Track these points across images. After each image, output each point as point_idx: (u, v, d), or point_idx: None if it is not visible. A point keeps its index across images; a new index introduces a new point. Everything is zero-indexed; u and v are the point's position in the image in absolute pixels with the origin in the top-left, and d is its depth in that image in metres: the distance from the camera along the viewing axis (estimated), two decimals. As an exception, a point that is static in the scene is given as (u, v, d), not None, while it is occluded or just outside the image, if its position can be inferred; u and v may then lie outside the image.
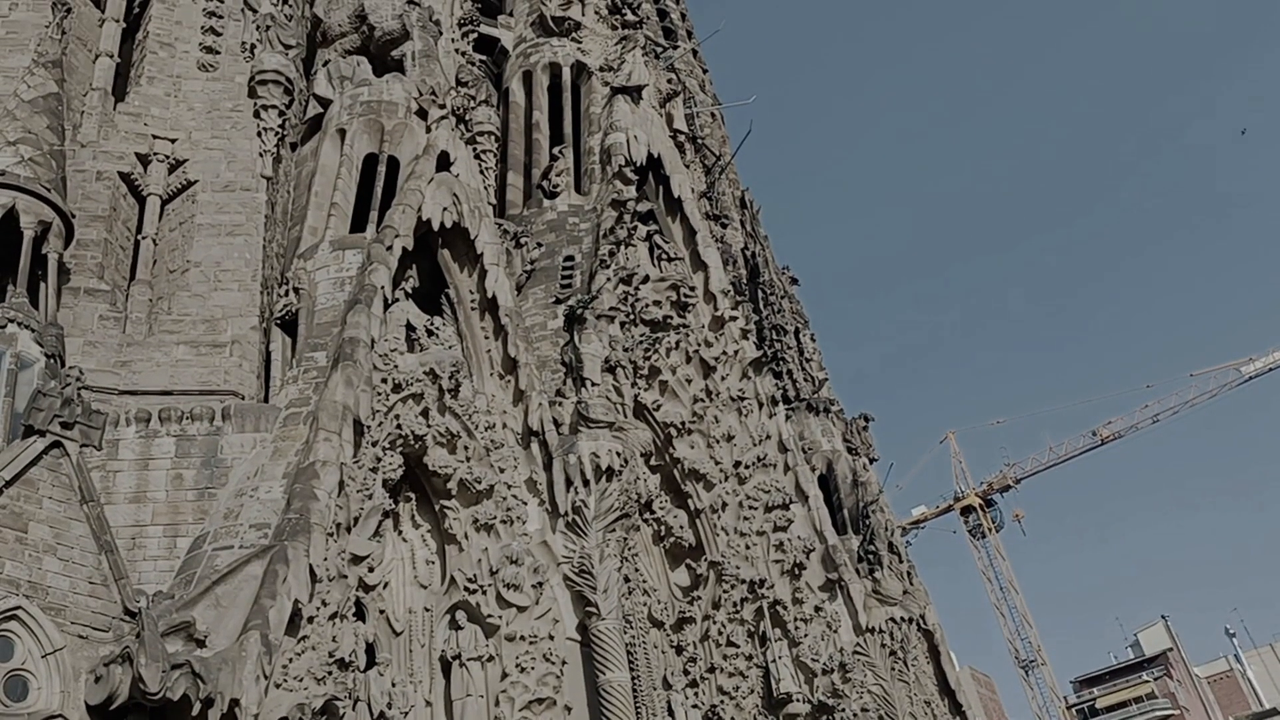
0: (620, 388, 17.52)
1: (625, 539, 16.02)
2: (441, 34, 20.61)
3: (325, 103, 18.13)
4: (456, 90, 19.71)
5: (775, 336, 29.14)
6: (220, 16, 17.40)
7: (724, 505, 22.67)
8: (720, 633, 21.27)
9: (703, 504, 22.62)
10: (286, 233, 16.62)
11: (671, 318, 22.71)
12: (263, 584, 10.57)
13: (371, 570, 13.35)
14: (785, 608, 21.43)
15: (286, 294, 15.26)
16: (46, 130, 13.86)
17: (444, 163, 17.21)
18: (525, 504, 15.29)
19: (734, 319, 24.47)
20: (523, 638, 14.06)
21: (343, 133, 17.60)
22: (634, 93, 23.76)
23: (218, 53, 17.11)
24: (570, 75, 25.36)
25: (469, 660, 13.74)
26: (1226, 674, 77.99)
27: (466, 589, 14.23)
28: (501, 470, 15.28)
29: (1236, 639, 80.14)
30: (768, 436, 23.80)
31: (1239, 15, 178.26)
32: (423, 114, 17.75)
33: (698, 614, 21.54)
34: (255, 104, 16.62)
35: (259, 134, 16.33)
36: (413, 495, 15.09)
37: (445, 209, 16.48)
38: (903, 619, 22.83)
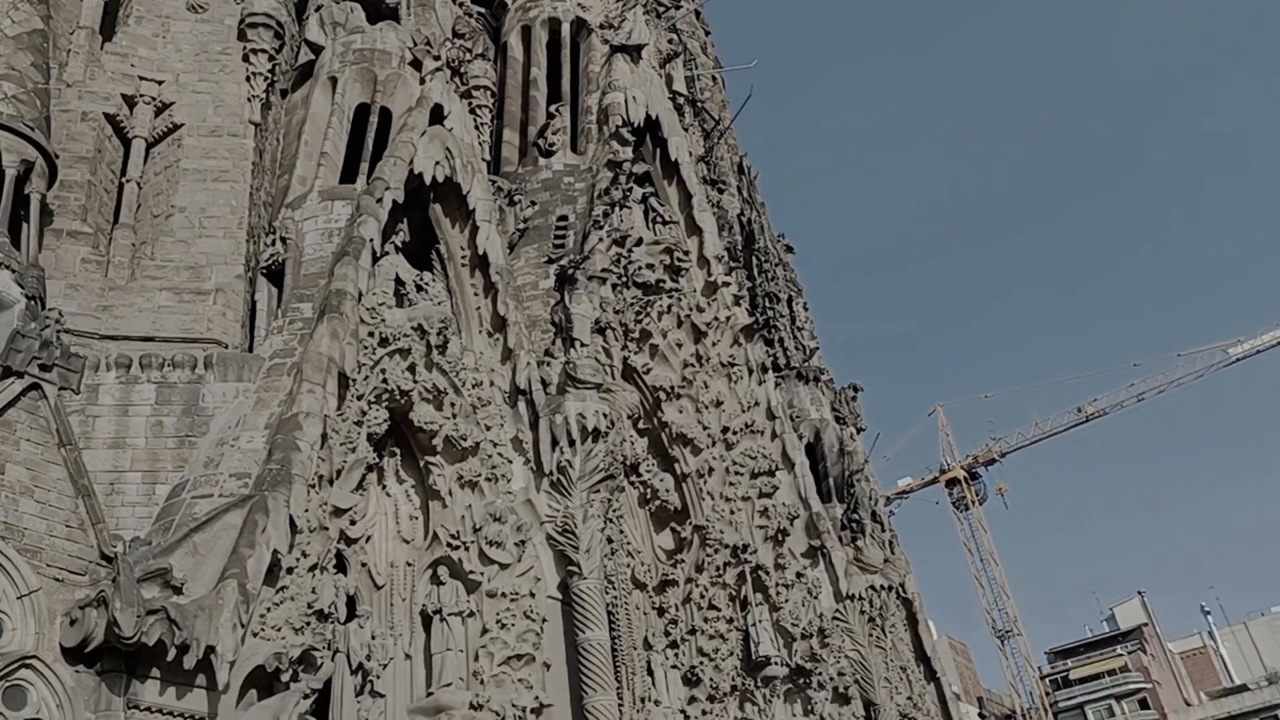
0: (610, 349, 17.43)
1: (609, 500, 16.01)
2: (437, -17, 20.25)
3: (317, 49, 17.80)
4: (452, 42, 19.41)
5: (768, 304, 29.05)
6: (211, -44, 17.03)
7: (710, 470, 22.70)
8: (702, 596, 21.38)
9: (689, 468, 22.64)
10: (275, 181, 16.39)
11: (664, 281, 22.57)
12: (241, 533, 10.51)
13: (354, 523, 13.30)
14: (767, 573, 21.54)
15: (273, 243, 15.07)
16: (31, 68, 13.57)
17: (438, 116, 16.96)
18: (510, 462, 15.23)
19: (727, 285, 24.36)
20: (504, 594, 14.07)
21: (334, 81, 17.31)
22: (634, 52, 23.44)
23: (208, -8, 16.76)
24: (570, 32, 25.00)
25: (450, 615, 13.75)
26: (1200, 650, 79.11)
27: (449, 545, 14.21)
28: (488, 428, 15.21)
29: (1211, 616, 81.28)
30: (756, 403, 23.79)
31: (1232, 15, 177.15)
32: (417, 65, 17.45)
33: (680, 577, 21.63)
34: (244, 47, 16.30)
35: (248, 79, 16.04)
36: (398, 450, 15.01)
37: (438, 163, 16.26)
38: (883, 587, 22.99)
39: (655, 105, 23.58)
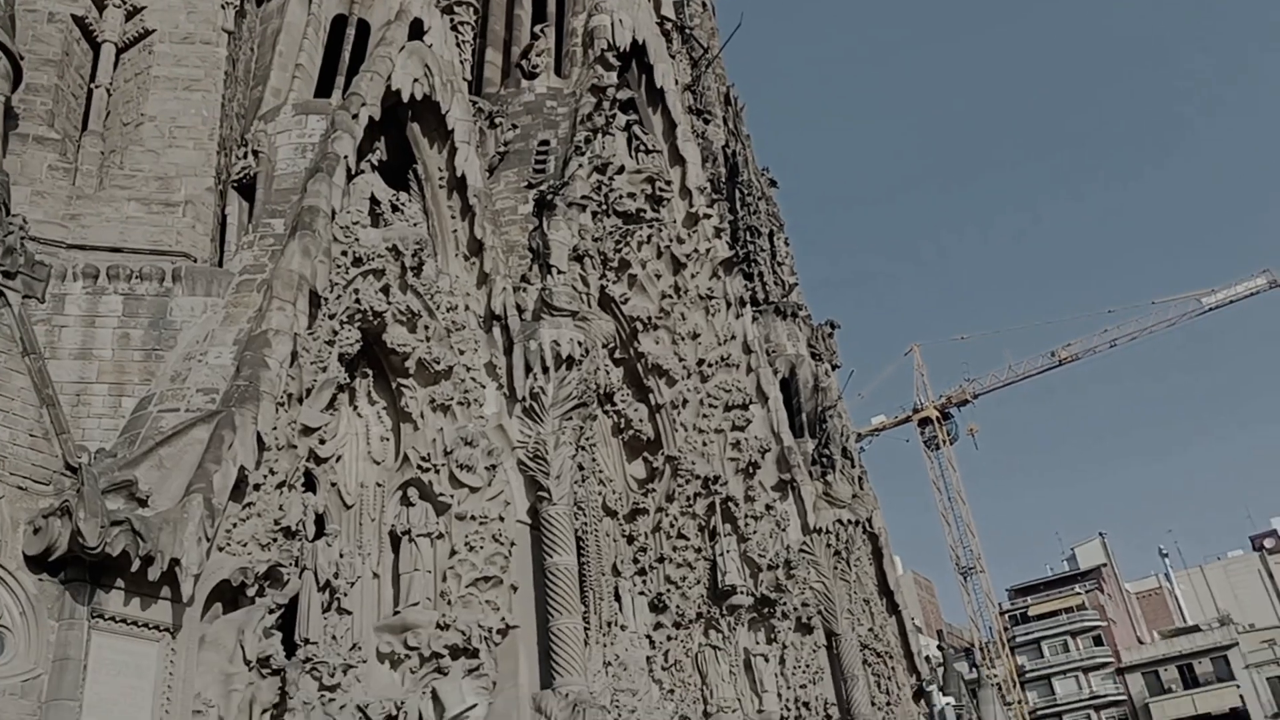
0: (587, 277, 17.31)
1: (581, 427, 16.05)
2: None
3: (293, -44, 17.21)
4: (434, -46, 18.81)
5: (749, 237, 28.89)
6: None
7: (685, 402, 22.79)
8: (672, 525, 21.64)
9: (664, 399, 22.72)
10: (248, 92, 15.97)
11: (645, 211, 22.36)
12: (208, 448, 10.46)
13: (323, 443, 13.28)
14: (737, 504, 21.80)
15: (245, 156, 14.74)
16: (-7, -37, 13.04)
17: (417, 31, 16.52)
18: (483, 387, 15.21)
19: (708, 217, 24.16)
20: (473, 517, 14.16)
21: (311, -10, 16.79)
22: (622, -28, 22.88)
23: (181, -108, 16.10)
24: (557, -52, 24.33)
25: (418, 536, 13.84)
26: (1155, 591, 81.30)
27: (420, 467, 14.24)
28: (461, 352, 15.14)
29: (1169, 559, 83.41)
30: (733, 337, 23.81)
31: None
32: (397, -24, 16.95)
33: (651, 506, 21.86)
34: (219, -48, 15.73)
35: (222, -16, 15.50)
36: (370, 371, 14.94)
37: (416, 80, 15.89)
38: (850, 521, 23.32)
39: (642, 30, 23.10)
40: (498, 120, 20.59)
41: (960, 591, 71.79)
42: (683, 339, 23.14)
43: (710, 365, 23.14)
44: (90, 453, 10.45)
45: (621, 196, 21.50)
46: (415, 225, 15.05)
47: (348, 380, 13.89)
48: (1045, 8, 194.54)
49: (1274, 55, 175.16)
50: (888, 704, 23.99)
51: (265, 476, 11.12)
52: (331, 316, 13.31)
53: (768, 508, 22.13)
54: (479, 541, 14.00)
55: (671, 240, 22.94)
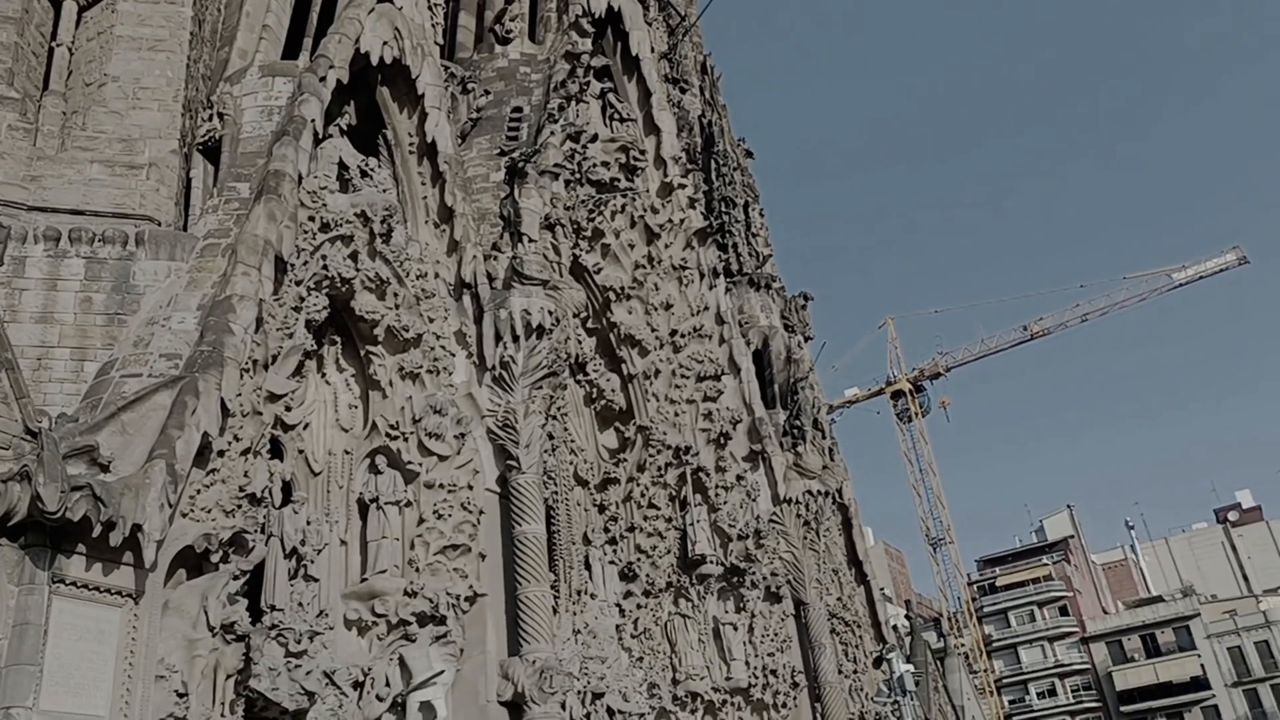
0: (558, 246, 17.21)
1: (551, 397, 16.02)
2: None
3: (261, -86, 16.85)
4: (406, -85, 18.46)
5: (724, 208, 28.79)
6: None
7: (657, 372, 22.81)
8: (643, 495, 21.73)
9: (636, 369, 22.73)
10: (214, 53, 15.68)
11: (619, 180, 22.24)
12: (171, 414, 10.36)
13: (289, 410, 13.19)
14: (708, 475, 21.91)
15: (210, 119, 14.49)
16: (-52, -84, 12.71)
17: (388, -8, 16.25)
18: (453, 355, 15.13)
19: (682, 187, 24.07)
20: (442, 486, 14.14)
21: (279, -51, 16.46)
22: (598, -63, 22.59)
23: None
24: (531, -90, 23.96)
25: (386, 504, 13.81)
26: (1121, 562, 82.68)
27: (388, 435, 14.18)
28: (431, 320, 15.05)
29: (1135, 531, 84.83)
30: (706, 308, 23.81)
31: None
32: (367, -63, 16.63)
33: (622, 475, 21.93)
34: (184, -92, 15.36)
35: (186, -59, 15.16)
36: (338, 339, 14.83)
37: (385, 43, 15.65)
38: (820, 492, 23.49)
39: (618, -5, 22.87)
40: (470, 86, 20.36)
41: (930, 562, 72.67)
42: (656, 309, 23.12)
43: (683, 336, 23.15)
44: (51, 417, 10.34)
45: (595, 165, 21.37)
46: (385, 191, 14.88)
47: (315, 347, 13.78)
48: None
49: (1248, 33, 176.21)
50: (855, 671, 24.31)
51: (230, 443, 11.03)
52: (298, 283, 13.17)
53: (738, 478, 22.26)
54: (447, 509, 13.99)
55: (645, 210, 22.84)
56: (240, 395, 11.33)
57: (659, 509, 21.58)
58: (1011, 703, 69.98)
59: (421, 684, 12.76)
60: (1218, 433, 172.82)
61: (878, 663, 21.37)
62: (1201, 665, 65.49)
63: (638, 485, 21.68)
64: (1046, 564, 71.43)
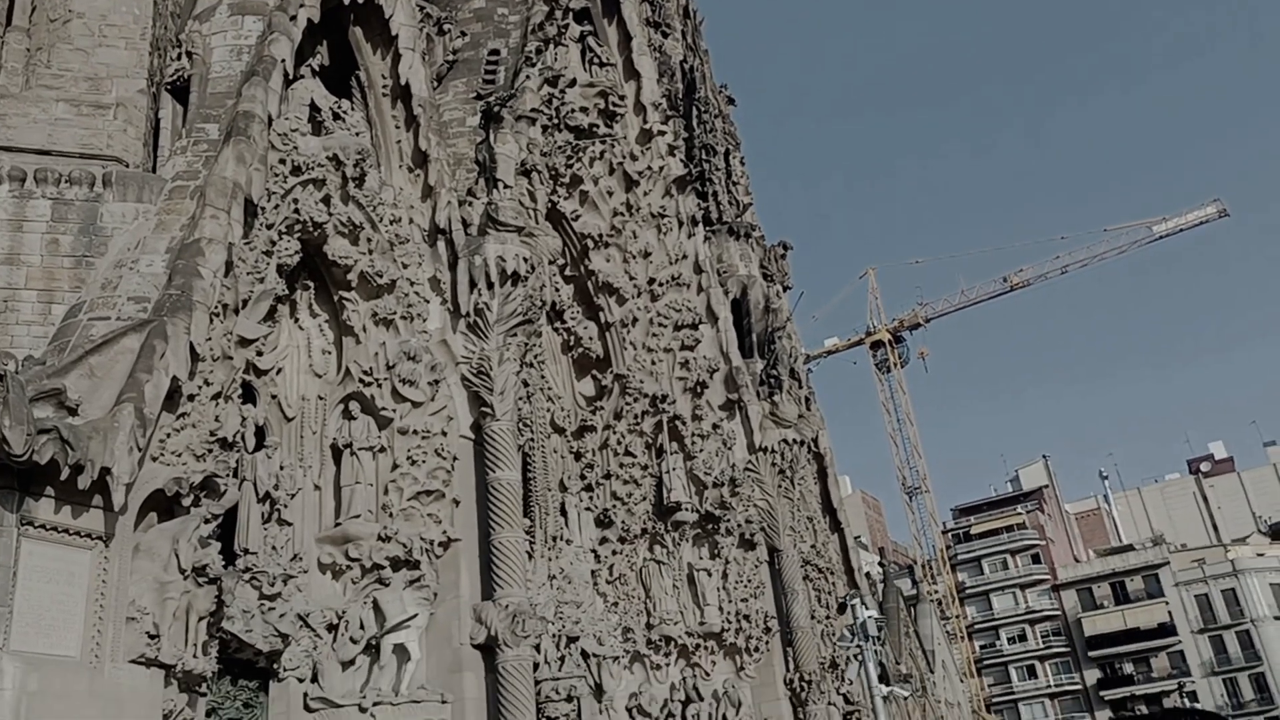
0: (534, 192, 17.06)
1: (526, 344, 16.01)
2: None
3: None
4: None
5: (704, 156, 28.56)
6: None
7: (634, 320, 22.80)
8: (619, 442, 21.84)
9: (614, 317, 22.71)
10: (183, -10, 15.32)
11: (598, 126, 22.01)
12: (139, 358, 10.29)
13: (261, 354, 13.15)
14: (684, 423, 22.03)
15: (180, 57, 14.19)
16: None
17: (361, -71, 15.88)
18: (427, 302, 15.07)
19: (662, 134, 23.85)
20: (415, 432, 14.16)
21: (248, -118, 16.00)
22: (578, -126, 22.09)
23: None
24: None
25: (360, 450, 13.84)
26: (1094, 512, 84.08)
27: (362, 381, 14.17)
28: (405, 266, 14.96)
29: (1108, 481, 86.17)
30: (684, 256, 23.74)
31: None
32: None
33: (599, 423, 22.03)
34: None
35: (152, -128, 14.72)
36: (311, 284, 14.74)
37: (358, -19, 15.33)
38: (795, 441, 23.66)
39: (598, -65, 22.44)
40: (446, 27, 20.01)
41: (906, 511, 73.64)
42: (634, 257, 23.04)
43: (661, 284, 23.11)
44: (18, 360, 10.24)
45: (573, 110, 21.12)
46: (357, 134, 14.70)
47: (287, 292, 13.69)
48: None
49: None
50: (826, 617, 24.72)
51: (200, 387, 10.99)
52: (269, 226, 13.04)
53: (714, 427, 22.39)
54: (421, 455, 14.03)
55: (624, 157, 22.65)
56: (210, 339, 11.26)
57: (635, 456, 21.72)
58: (983, 648, 71.47)
59: (395, 627, 12.91)
60: (1193, 385, 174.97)
61: (841, 609, 21.75)
62: (1169, 612, 66.95)
63: (614, 433, 21.79)
64: (1020, 513, 72.54)
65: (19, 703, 8.89)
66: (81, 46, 13.65)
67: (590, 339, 22.68)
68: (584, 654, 18.58)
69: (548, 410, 21.16)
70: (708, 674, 20.71)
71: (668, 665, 20.65)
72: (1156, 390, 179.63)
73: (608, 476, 21.55)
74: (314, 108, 14.48)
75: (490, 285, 15.10)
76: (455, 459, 14.36)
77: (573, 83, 21.14)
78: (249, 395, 13.27)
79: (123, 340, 10.45)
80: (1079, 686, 68.61)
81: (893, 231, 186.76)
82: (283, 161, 13.44)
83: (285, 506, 13.00)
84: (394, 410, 14.14)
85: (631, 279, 22.81)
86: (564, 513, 20.60)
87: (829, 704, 22.32)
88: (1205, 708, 60.44)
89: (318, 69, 15.06)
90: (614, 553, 21.06)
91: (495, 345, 14.95)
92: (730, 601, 21.39)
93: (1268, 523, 74.84)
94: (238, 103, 12.94)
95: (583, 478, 21.55)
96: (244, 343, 12.10)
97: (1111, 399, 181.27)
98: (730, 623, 21.05)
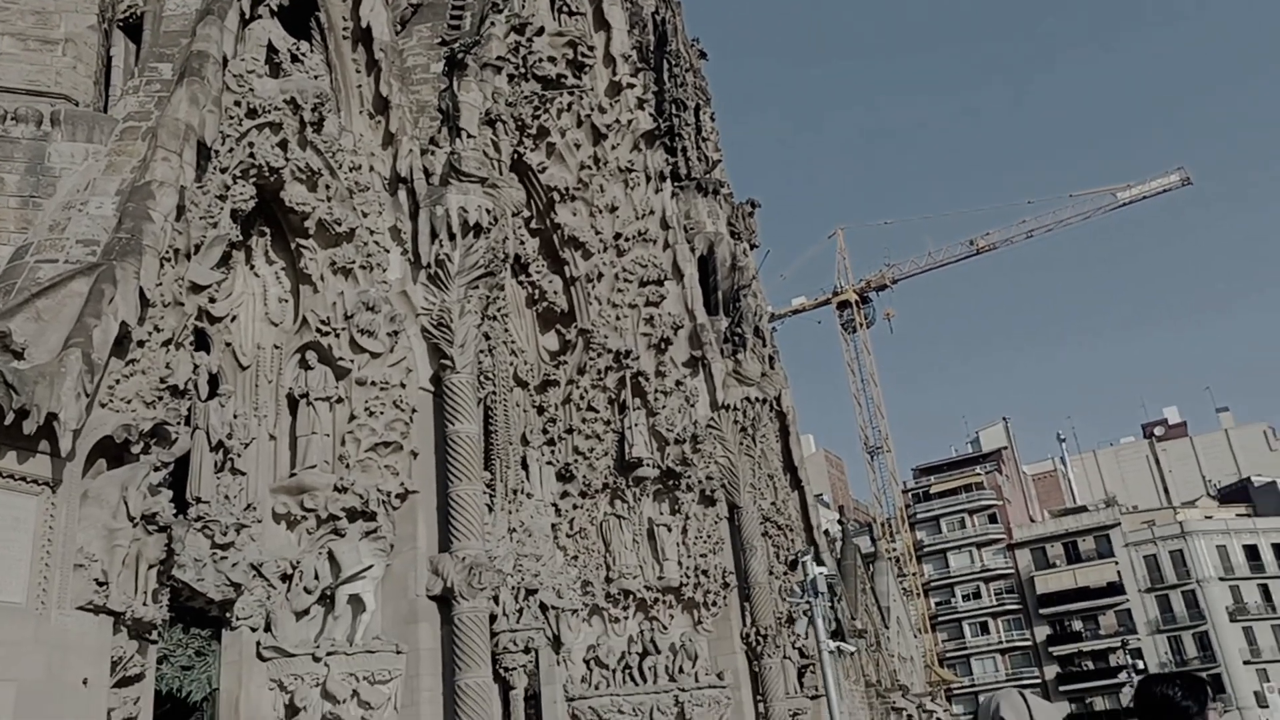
0: (499, 143, 16.79)
1: (488, 297, 15.86)
2: None
3: None
4: None
5: (674, 110, 28.31)
6: None
7: (600, 275, 22.68)
8: (582, 397, 21.83)
9: (579, 272, 22.57)
10: (135, -78, 14.78)
11: (566, 77, 21.68)
12: (87, 302, 10.06)
13: (214, 301, 12.91)
14: (647, 379, 22.03)
15: (131, -7, 13.76)
16: None
17: None
18: (387, 251, 14.84)
19: (632, 86, 23.56)
20: (374, 383, 14.03)
21: None
22: None
23: None
24: None
25: (317, 400, 13.69)
26: (1051, 473, 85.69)
27: (319, 330, 13.98)
28: (364, 214, 14.71)
29: (1065, 444, 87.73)
30: (651, 211, 23.58)
31: None
32: None
33: (562, 378, 21.99)
34: None
35: None
36: (267, 230, 14.46)
37: (319, -82, 14.88)
38: (758, 399, 23.78)
39: (569, -122, 21.93)
40: (411, -30, 19.52)
41: (867, 470, 74.52)
42: (600, 211, 22.85)
43: (627, 239, 22.97)
44: (-40, 302, 9.99)
45: (541, 60, 20.78)
46: (317, 78, 14.34)
47: (241, 238, 13.41)
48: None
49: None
50: (785, 573, 25.05)
51: (150, 333, 10.77)
52: (223, 170, 12.74)
53: (678, 383, 22.42)
54: (379, 407, 13.91)
55: (592, 109, 22.38)
56: (160, 285, 11.02)
57: (598, 412, 21.73)
58: (938, 604, 72.94)
59: (350, 577, 12.87)
60: (1152, 351, 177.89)
61: (793, 565, 22.03)
62: (1118, 572, 68.61)
63: (577, 388, 21.77)
64: (979, 473, 73.73)
65: (-38, 649, 8.79)
66: (28, -23, 13.15)
67: (555, 293, 22.56)
68: (542, 606, 18.71)
69: (511, 364, 21.07)
70: (665, 627, 20.95)
71: (626, 618, 20.86)
72: (1116, 355, 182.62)
73: (570, 431, 21.56)
74: (271, 49, 14.09)
75: (452, 236, 14.90)
76: (414, 411, 14.25)
77: (540, 31, 20.78)
78: (202, 343, 13.06)
79: (71, 284, 10.20)
80: (1029, 643, 70.33)
81: (862, 192, 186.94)
82: (238, 104, 13.10)
83: (239, 456, 12.85)
84: (352, 361, 13.98)
85: (598, 233, 22.65)
86: (525, 466, 20.61)
87: (784, 657, 22.70)
88: (1150, 665, 62.17)
89: (276, 9, 14.61)
90: (575, 507, 21.15)
91: (456, 297, 14.79)
92: (689, 557, 21.57)
93: (1216, 486, 76.66)
94: (192, 42, 12.56)
95: (545, 432, 21.54)
96: (196, 289, 11.85)
97: (1072, 363, 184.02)
98: (689, 577, 21.26)
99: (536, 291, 22.50)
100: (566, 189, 22.25)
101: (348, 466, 13.51)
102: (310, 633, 12.74)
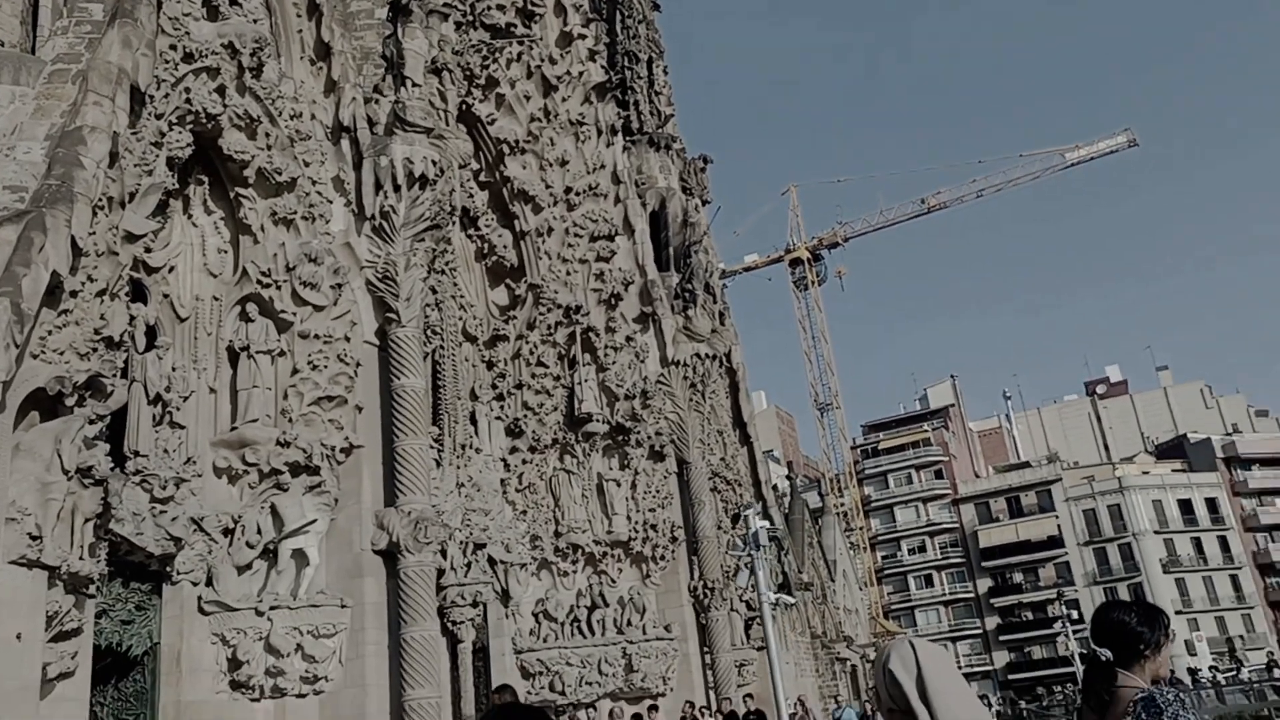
0: (445, 93, 16.49)
1: (434, 249, 15.66)
2: None
3: None
4: None
5: (626, 63, 28.00)
6: None
7: (550, 230, 22.50)
8: (532, 352, 21.75)
9: (529, 226, 22.37)
10: None
11: (515, 26, 21.31)
12: (16, 250, 9.75)
13: (150, 251, 12.60)
14: (598, 335, 22.01)
15: (58, -71, 13.17)
16: None
17: None
18: (330, 202, 14.56)
19: (583, 37, 23.24)
20: (317, 336, 13.83)
21: None
22: None
23: None
24: None
25: (258, 353, 13.47)
26: (996, 430, 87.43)
27: (260, 282, 13.72)
28: (306, 164, 14.39)
29: (1011, 401, 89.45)
30: (602, 166, 23.39)
31: None
32: None
33: (512, 333, 21.87)
34: None
35: None
36: (205, 179, 14.11)
37: None
38: (708, 355, 23.89)
39: None
40: (356, -88, 18.95)
41: (817, 426, 75.43)
42: (551, 165, 22.61)
43: (578, 194, 22.79)
44: (-120, 249, 9.63)
45: (490, 8, 20.39)
46: (255, 22, 13.92)
47: (179, 187, 13.07)
48: None
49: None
50: (733, 527, 25.36)
51: (83, 283, 10.49)
52: (159, 116, 12.36)
53: (628, 339, 22.43)
54: (323, 361, 13.73)
55: (543, 60, 22.06)
56: (93, 233, 10.71)
57: (547, 367, 21.69)
58: (884, 558, 74.45)
59: (294, 532, 12.78)
60: (1097, 310, 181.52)
61: (735, 519, 22.31)
62: (1058, 526, 70.49)
63: (527, 343, 21.69)
64: (927, 430, 74.99)
65: (-111, 605, 8.60)
66: (-53, -90, 12.55)
67: (505, 247, 22.36)
68: (491, 561, 18.77)
69: (459, 318, 20.91)
70: (614, 581, 21.15)
71: (575, 572, 21.02)
72: (1062, 315, 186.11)
73: (519, 386, 21.51)
74: (209, -9, 13.63)
75: (397, 188, 14.65)
76: (359, 365, 14.09)
77: (490, -23, 20.36)
78: (139, 294, 12.75)
79: (-2, 231, 9.88)
80: (971, 595, 72.19)
81: (816, 150, 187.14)
82: (173, 48, 12.69)
83: (178, 409, 12.64)
84: (294, 313, 13.75)
85: (548, 187, 22.44)
86: (474, 421, 20.55)
87: (731, 610, 23.06)
88: (1086, 616, 64.15)
89: (213, -51, 14.13)
90: (524, 462, 21.16)
91: (401, 250, 14.58)
92: (638, 511, 21.74)
93: (1154, 443, 78.77)
94: (123, -19, 12.10)
95: (494, 387, 21.47)
96: (131, 238, 11.53)
97: (1020, 322, 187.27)
98: (637, 532, 21.44)
99: (486, 245, 22.29)
100: (516, 142, 21.98)
101: (290, 421, 13.34)
102: (253, 587, 12.66)
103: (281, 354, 13.60)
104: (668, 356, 23.05)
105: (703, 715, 16.36)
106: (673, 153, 27.68)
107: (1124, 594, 68.73)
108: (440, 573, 15.33)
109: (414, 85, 15.25)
